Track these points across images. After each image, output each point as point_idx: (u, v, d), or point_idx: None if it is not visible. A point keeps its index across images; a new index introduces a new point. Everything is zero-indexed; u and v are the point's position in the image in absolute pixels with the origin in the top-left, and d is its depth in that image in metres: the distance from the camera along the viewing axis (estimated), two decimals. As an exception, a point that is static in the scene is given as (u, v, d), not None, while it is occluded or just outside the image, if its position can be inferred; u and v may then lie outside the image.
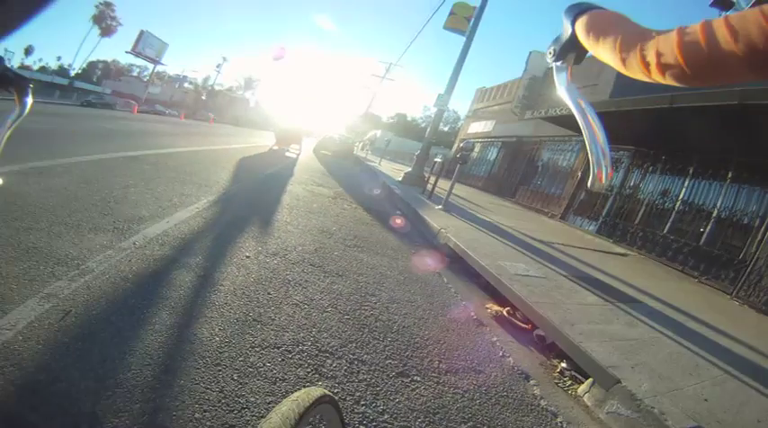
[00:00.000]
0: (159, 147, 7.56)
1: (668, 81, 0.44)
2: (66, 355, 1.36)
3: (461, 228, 5.35)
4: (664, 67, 0.43)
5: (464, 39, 10.97)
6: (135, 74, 70.56)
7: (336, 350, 1.88)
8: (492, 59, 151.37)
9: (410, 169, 11.08)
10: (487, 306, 3.12)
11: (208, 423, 1.24)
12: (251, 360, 1.61)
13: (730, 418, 1.91)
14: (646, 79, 0.48)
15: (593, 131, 0.54)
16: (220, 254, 2.69)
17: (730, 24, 0.38)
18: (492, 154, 17.52)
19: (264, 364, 1.61)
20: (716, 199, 7.17)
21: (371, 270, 3.19)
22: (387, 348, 2.03)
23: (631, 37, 0.47)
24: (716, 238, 6.84)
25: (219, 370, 1.49)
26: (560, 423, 1.83)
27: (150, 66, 55.42)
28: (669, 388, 2.05)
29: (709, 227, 7.02)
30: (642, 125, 7.32)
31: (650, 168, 8.77)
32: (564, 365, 2.36)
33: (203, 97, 67.16)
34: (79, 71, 64.41)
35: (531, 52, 15.99)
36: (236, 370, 1.52)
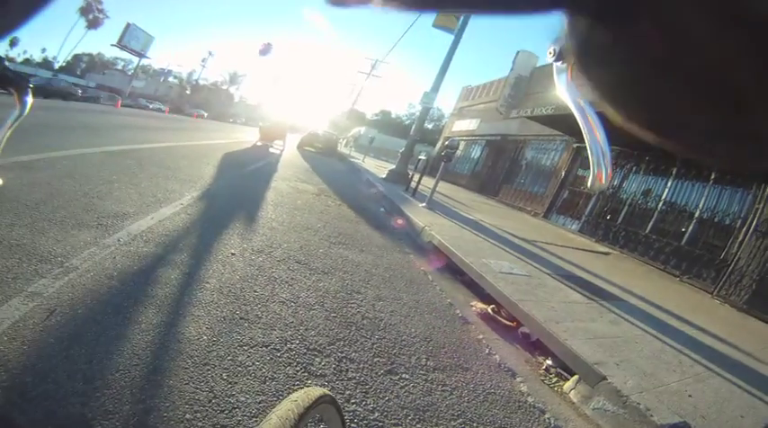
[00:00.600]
0: (138, 142, 7.37)
1: None
2: (52, 356, 1.35)
3: (445, 226, 5.41)
4: None
5: (452, 37, 11.02)
6: (119, 67, 68.99)
7: (324, 348, 1.90)
8: (478, 58, 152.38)
9: (394, 166, 11.12)
10: (472, 303, 3.18)
11: (199, 424, 1.25)
12: (240, 359, 1.62)
13: (714, 414, 1.98)
14: None
15: (593, 131, 0.57)
16: (206, 251, 2.67)
17: None
18: (476, 152, 17.70)
19: (253, 363, 1.62)
20: (698, 199, 7.37)
21: (357, 267, 3.21)
22: (374, 346, 2.06)
23: None
24: (698, 238, 7.03)
25: (208, 370, 1.50)
26: (548, 419, 1.89)
27: (135, 59, 54.15)
28: (654, 385, 2.12)
29: (691, 228, 7.22)
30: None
31: (633, 168, 8.97)
32: (549, 362, 2.43)
33: (188, 91, 66.08)
34: (63, 64, 62.75)
35: (518, 52, 16.11)
36: (225, 369, 1.53)
